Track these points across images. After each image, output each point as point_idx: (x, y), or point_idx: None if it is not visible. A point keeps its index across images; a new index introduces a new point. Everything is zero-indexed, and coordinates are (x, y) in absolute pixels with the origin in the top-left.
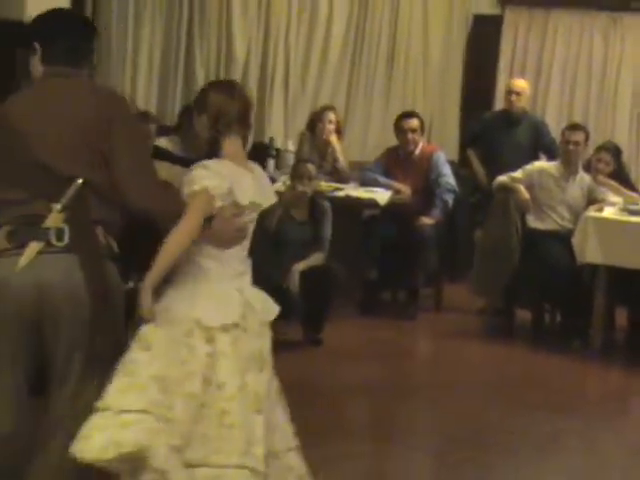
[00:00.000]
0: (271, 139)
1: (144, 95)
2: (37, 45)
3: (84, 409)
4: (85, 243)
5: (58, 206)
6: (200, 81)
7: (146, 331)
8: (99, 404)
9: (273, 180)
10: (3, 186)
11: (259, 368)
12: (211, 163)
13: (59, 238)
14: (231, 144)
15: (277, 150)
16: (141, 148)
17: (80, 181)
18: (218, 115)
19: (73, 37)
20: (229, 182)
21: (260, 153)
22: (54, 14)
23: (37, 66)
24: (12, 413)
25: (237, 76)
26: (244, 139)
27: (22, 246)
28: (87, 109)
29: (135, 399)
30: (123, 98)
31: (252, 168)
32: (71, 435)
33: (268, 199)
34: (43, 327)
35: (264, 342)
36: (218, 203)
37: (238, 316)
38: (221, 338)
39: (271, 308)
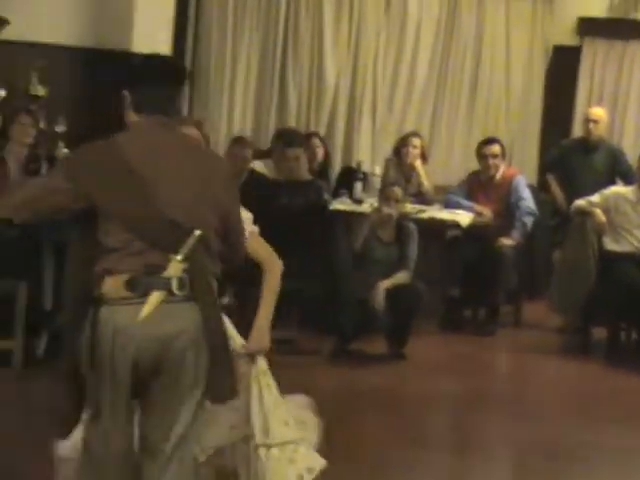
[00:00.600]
0: (359, 163)
1: (240, 120)
2: (127, 94)
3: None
4: (204, 292)
5: (179, 256)
6: (293, 107)
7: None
8: (272, 441)
9: (360, 202)
10: (120, 234)
11: None
12: None
13: (181, 287)
14: None
15: (364, 174)
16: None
17: (198, 233)
18: None
19: (166, 86)
20: None
21: (348, 177)
22: (147, 62)
23: (131, 115)
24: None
25: (327, 102)
26: None
27: (144, 295)
28: (203, 167)
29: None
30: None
31: None
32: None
33: None
34: (159, 374)
35: None
36: None
37: None
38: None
39: None
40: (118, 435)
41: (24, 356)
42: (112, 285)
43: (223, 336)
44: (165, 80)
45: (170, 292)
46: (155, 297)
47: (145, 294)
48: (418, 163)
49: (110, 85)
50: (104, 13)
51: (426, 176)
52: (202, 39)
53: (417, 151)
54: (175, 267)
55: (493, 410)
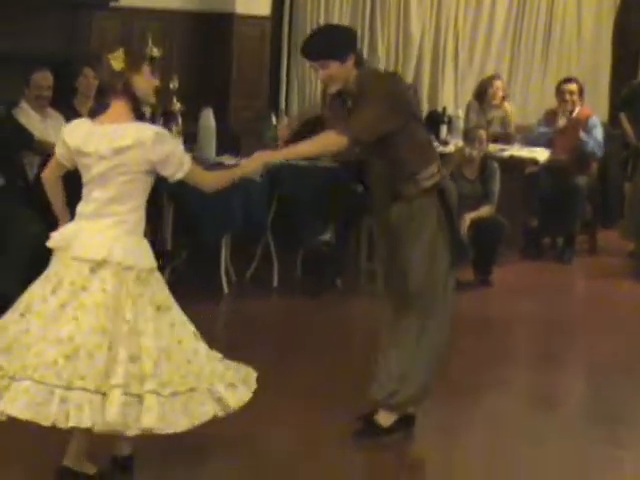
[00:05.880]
0: (444, 108)
1: None
2: (351, 54)
3: None
4: None
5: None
6: (382, 58)
7: None
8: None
9: (446, 143)
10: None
11: None
12: None
13: None
14: None
15: (449, 117)
16: None
17: None
18: None
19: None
20: None
21: (433, 120)
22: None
23: (352, 70)
24: None
25: (413, 53)
26: None
27: None
28: None
29: None
30: None
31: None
32: None
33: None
34: None
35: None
36: None
37: None
38: None
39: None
40: None
41: None
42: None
43: None
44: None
45: None
46: None
47: None
48: (505, 103)
49: (216, 45)
50: None
51: (510, 116)
52: (298, 1)
53: (500, 93)
54: None
55: (572, 331)
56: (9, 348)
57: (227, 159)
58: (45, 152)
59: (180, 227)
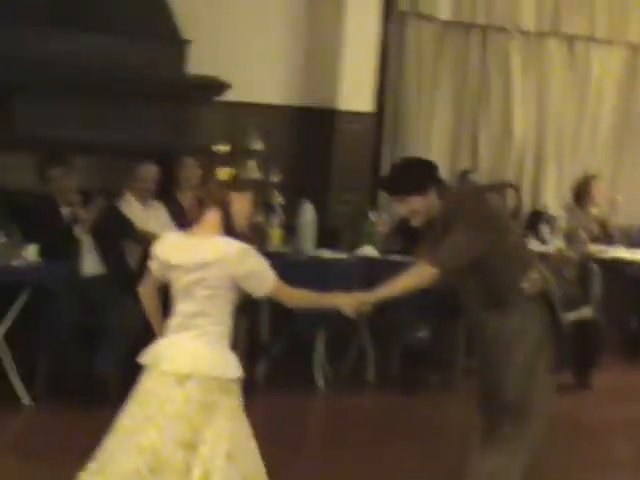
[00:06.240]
0: (545, 207)
1: None
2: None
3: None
4: None
5: None
6: (484, 156)
7: None
8: None
9: (546, 243)
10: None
11: None
12: None
13: None
14: None
15: (549, 217)
16: None
17: None
18: None
19: None
20: None
21: (534, 220)
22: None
23: (434, 201)
24: None
25: (515, 150)
26: None
27: None
28: None
29: None
30: None
31: None
32: None
33: None
34: None
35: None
36: None
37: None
38: None
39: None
40: None
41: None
42: None
43: None
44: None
45: None
46: None
47: None
48: (601, 205)
49: (317, 140)
50: (312, 75)
51: (609, 217)
52: (401, 97)
53: (599, 193)
54: None
55: None
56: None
57: (324, 253)
58: (146, 242)
59: (277, 319)
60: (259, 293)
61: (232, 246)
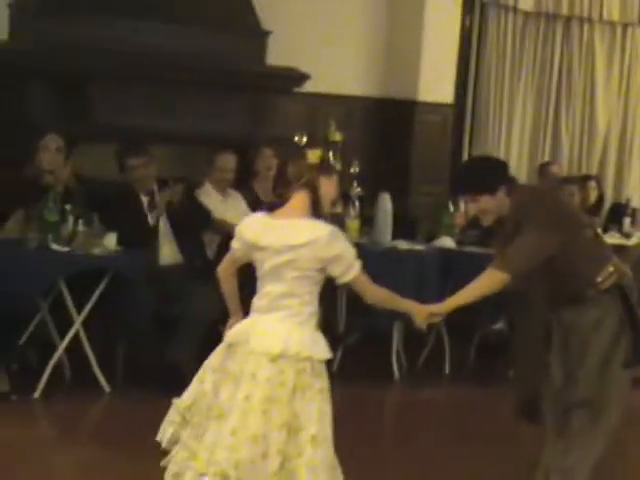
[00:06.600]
0: (628, 199)
1: (516, 164)
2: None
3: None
4: None
5: None
6: (565, 149)
7: None
8: None
9: (629, 236)
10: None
11: None
12: None
13: None
14: None
15: (632, 209)
16: None
17: None
18: None
19: None
20: None
21: (617, 213)
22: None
23: (504, 200)
24: None
25: (599, 145)
26: None
27: None
28: None
29: None
30: None
31: None
32: None
33: None
34: None
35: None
36: None
37: None
38: None
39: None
40: None
41: None
42: None
43: None
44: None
45: None
46: None
47: None
48: None
49: (397, 131)
50: (392, 66)
51: None
52: (481, 88)
53: None
54: None
55: None
56: (200, 431)
57: (401, 244)
58: (224, 231)
59: (354, 309)
60: (344, 278)
61: (322, 228)
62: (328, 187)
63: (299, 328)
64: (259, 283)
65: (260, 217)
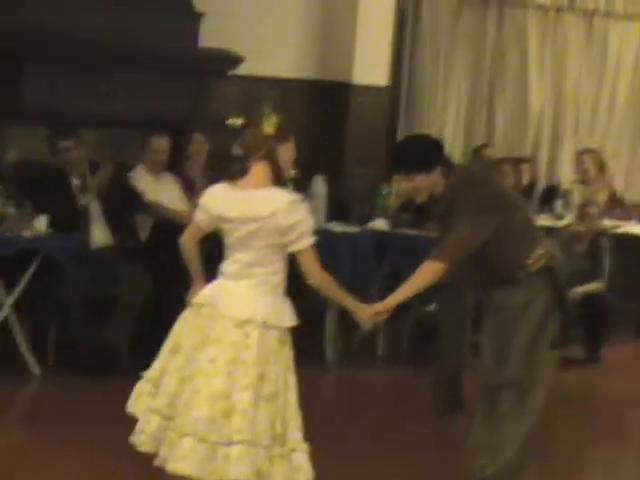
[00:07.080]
0: (559, 182)
1: (450, 143)
2: (437, 165)
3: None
4: None
5: None
6: (499, 130)
7: None
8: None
9: (560, 217)
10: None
11: None
12: None
13: None
14: None
15: (564, 192)
16: None
17: None
18: None
19: None
20: None
21: (549, 195)
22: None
23: (439, 179)
24: None
25: (532, 124)
26: None
27: None
28: None
29: None
30: None
31: None
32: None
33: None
34: None
35: None
36: None
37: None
38: None
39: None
40: None
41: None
42: None
43: None
44: None
45: None
46: None
47: None
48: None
49: (331, 114)
50: (326, 48)
51: (606, 187)
52: (416, 70)
53: (591, 167)
54: None
55: None
56: (173, 397)
57: (335, 226)
58: (157, 213)
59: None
60: (294, 246)
61: (282, 199)
62: (287, 152)
63: (266, 296)
64: (228, 251)
65: (223, 189)
